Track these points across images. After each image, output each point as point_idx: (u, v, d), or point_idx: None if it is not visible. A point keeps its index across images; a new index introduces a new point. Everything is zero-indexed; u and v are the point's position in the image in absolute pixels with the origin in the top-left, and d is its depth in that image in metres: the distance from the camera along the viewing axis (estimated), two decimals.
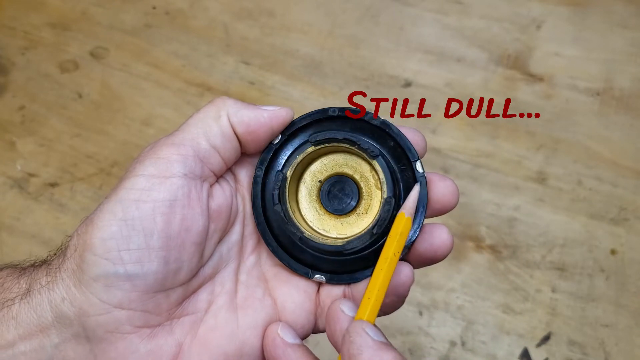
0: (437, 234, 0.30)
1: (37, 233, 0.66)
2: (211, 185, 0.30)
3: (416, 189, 0.30)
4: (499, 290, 0.61)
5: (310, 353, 0.29)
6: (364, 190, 0.33)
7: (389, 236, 0.29)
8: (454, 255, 0.63)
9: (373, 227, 0.31)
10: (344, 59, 0.79)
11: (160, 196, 0.27)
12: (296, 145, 0.32)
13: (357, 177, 0.33)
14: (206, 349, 0.29)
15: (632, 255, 0.63)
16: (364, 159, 0.33)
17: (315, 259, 0.32)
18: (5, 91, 0.78)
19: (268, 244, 0.32)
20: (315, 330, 0.32)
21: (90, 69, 0.79)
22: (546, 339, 0.59)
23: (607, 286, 0.61)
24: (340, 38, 0.81)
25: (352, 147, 0.32)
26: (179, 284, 0.29)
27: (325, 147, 0.32)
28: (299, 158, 0.32)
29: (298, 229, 0.31)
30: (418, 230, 0.31)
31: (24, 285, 0.28)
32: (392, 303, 0.30)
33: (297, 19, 0.83)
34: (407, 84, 0.76)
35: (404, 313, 0.59)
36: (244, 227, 0.32)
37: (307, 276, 0.32)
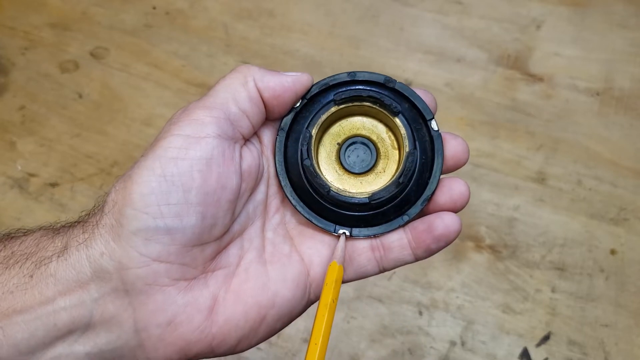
0: (456, 187, 0.34)
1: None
2: (241, 147, 0.31)
3: (342, 240, 0.33)
4: (498, 290, 0.61)
5: None
6: (381, 150, 0.35)
7: (324, 285, 0.31)
8: (454, 255, 0.63)
9: (399, 177, 0.32)
10: (344, 59, 0.79)
11: (197, 154, 0.28)
12: (318, 108, 0.34)
13: (374, 138, 0.35)
14: (240, 299, 0.30)
15: (632, 255, 0.63)
16: (381, 120, 0.35)
17: (339, 215, 0.33)
18: (6, 91, 0.78)
19: (293, 202, 0.33)
20: (343, 280, 0.33)
21: (90, 69, 0.79)
22: (546, 338, 0.59)
23: (607, 286, 0.61)
24: (340, 38, 0.81)
25: (374, 106, 0.34)
26: (214, 239, 0.30)
27: (347, 107, 0.34)
28: (323, 117, 0.33)
29: (325, 183, 0.33)
30: (436, 182, 0.33)
31: (59, 244, 0.29)
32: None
33: (297, 19, 0.83)
34: (407, 84, 0.76)
35: (404, 313, 0.59)
36: (268, 187, 0.34)
37: (332, 231, 0.33)
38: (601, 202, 0.66)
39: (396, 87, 0.34)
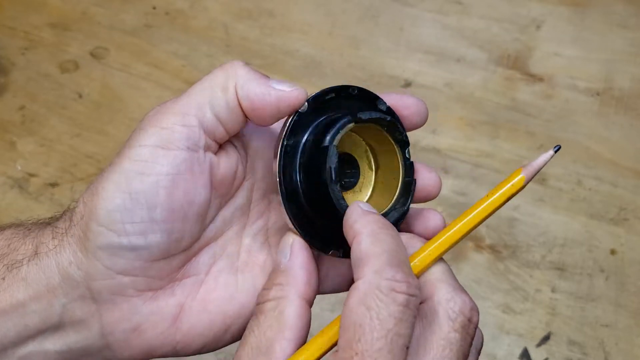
0: (432, 219, 0.32)
1: None
2: (215, 153, 0.30)
3: (548, 155, 0.30)
4: (498, 290, 0.61)
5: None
6: (361, 169, 0.34)
7: (498, 186, 0.30)
8: (454, 255, 0.63)
9: (406, 204, 0.32)
10: (344, 59, 0.79)
11: (164, 170, 0.27)
12: (325, 118, 0.31)
13: (356, 156, 0.34)
14: (205, 309, 0.30)
15: (632, 255, 0.63)
16: (365, 139, 0.33)
17: (334, 234, 0.31)
18: (6, 91, 0.78)
19: (297, 224, 0.30)
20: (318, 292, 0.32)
21: (90, 69, 0.79)
22: (546, 338, 0.59)
23: (607, 286, 0.61)
24: (340, 38, 0.81)
25: (382, 129, 0.32)
26: (181, 250, 0.30)
27: (357, 125, 0.31)
28: (342, 133, 0.30)
29: (345, 206, 0.30)
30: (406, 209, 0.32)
31: (30, 247, 0.29)
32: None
33: (297, 19, 0.83)
34: (407, 84, 0.77)
35: None
36: (253, 192, 0.32)
37: (332, 253, 0.31)
38: (601, 202, 0.66)
39: (386, 110, 0.33)
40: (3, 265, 0.29)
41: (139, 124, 0.29)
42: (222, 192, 0.30)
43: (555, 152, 0.29)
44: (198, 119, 0.28)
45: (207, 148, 0.29)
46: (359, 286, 0.25)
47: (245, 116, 0.29)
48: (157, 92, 0.77)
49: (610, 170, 0.69)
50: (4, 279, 0.28)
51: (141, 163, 0.28)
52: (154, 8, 0.85)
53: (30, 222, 0.32)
